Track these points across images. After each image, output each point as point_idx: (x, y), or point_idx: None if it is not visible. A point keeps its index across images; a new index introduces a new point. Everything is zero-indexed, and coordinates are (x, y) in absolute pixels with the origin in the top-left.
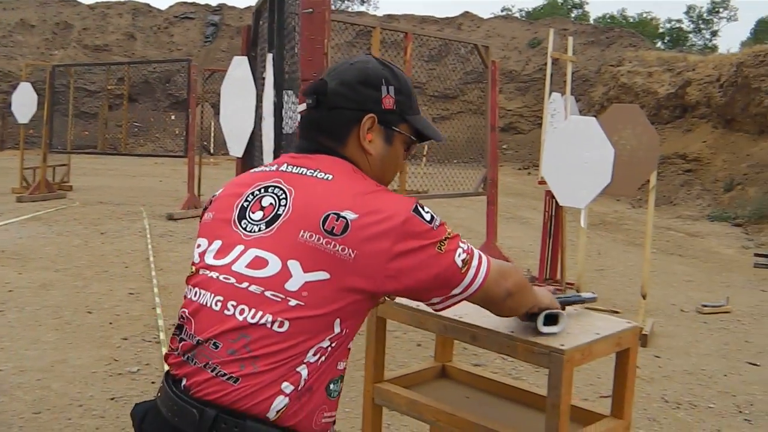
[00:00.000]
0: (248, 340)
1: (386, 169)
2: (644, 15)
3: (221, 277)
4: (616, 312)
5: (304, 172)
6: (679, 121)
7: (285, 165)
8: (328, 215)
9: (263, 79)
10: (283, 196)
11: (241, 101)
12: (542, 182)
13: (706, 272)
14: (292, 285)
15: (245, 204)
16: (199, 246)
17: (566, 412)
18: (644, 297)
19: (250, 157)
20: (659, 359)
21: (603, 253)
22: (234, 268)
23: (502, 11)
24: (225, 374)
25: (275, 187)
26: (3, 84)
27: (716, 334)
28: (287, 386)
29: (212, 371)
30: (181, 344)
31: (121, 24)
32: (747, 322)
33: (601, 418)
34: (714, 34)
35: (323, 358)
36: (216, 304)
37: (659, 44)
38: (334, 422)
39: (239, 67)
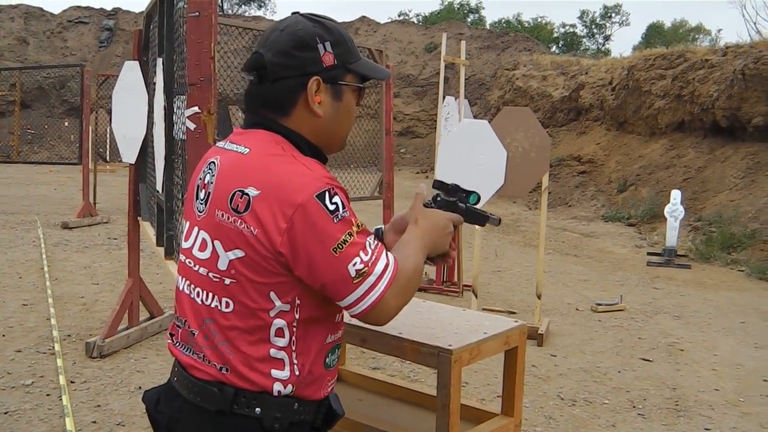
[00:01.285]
0: (211, 324)
1: (340, 126)
2: (539, 20)
3: (187, 261)
4: (513, 312)
5: (234, 148)
6: (573, 124)
7: (227, 142)
8: (234, 193)
9: (155, 83)
10: (214, 173)
11: (133, 106)
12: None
13: (601, 272)
14: (221, 264)
15: (198, 182)
16: (183, 228)
17: (456, 412)
18: (539, 297)
19: (144, 163)
20: (555, 358)
21: (500, 255)
22: (192, 252)
23: (399, 16)
24: (217, 365)
25: (212, 162)
26: None
27: (610, 331)
28: (278, 373)
29: (205, 361)
30: (179, 333)
31: (13, 28)
32: (640, 320)
33: (492, 417)
34: (607, 38)
35: (294, 340)
36: (186, 288)
37: (554, 48)
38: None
39: (131, 72)
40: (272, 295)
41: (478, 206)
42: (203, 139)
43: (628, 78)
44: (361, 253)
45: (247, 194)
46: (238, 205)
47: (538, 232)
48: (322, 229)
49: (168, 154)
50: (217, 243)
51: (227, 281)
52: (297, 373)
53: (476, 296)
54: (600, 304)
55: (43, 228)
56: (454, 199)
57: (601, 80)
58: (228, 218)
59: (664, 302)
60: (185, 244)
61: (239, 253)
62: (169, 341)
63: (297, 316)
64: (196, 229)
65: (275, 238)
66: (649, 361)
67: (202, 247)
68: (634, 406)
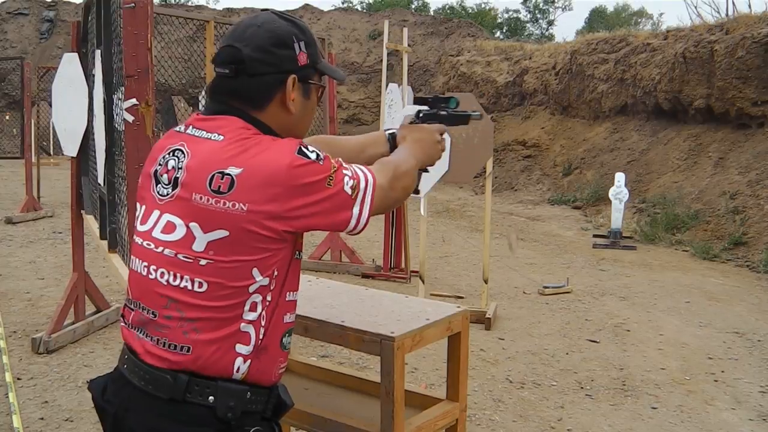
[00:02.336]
0: (177, 305)
1: (304, 122)
2: (482, 5)
3: (145, 243)
4: (460, 297)
5: (202, 135)
6: (518, 109)
7: (191, 127)
8: (213, 175)
9: (94, 75)
10: (182, 158)
11: (73, 99)
12: None
13: (548, 255)
14: (197, 246)
15: (158, 168)
16: (136, 211)
17: (400, 398)
18: (486, 281)
19: (85, 155)
20: (503, 341)
21: (447, 240)
22: (153, 234)
23: (342, 3)
24: (176, 346)
25: (178, 149)
26: None
27: (558, 314)
28: (241, 347)
29: (164, 346)
30: (131, 316)
31: None
32: (587, 302)
33: (437, 402)
34: (550, 23)
35: (264, 313)
36: (143, 270)
37: (498, 34)
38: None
39: (70, 65)
40: (254, 271)
41: (459, 109)
42: (142, 131)
43: (571, 62)
44: (345, 171)
45: (229, 174)
46: (219, 186)
47: (483, 217)
48: (314, 172)
49: (109, 147)
50: (193, 225)
51: (203, 261)
52: (259, 343)
53: (423, 282)
54: (547, 287)
55: None
56: (435, 110)
57: (545, 65)
58: (208, 200)
59: (610, 284)
60: (142, 227)
61: (222, 233)
62: (122, 323)
63: (271, 288)
64: (157, 212)
65: (269, 211)
66: (596, 342)
67: (168, 229)
68: (582, 387)
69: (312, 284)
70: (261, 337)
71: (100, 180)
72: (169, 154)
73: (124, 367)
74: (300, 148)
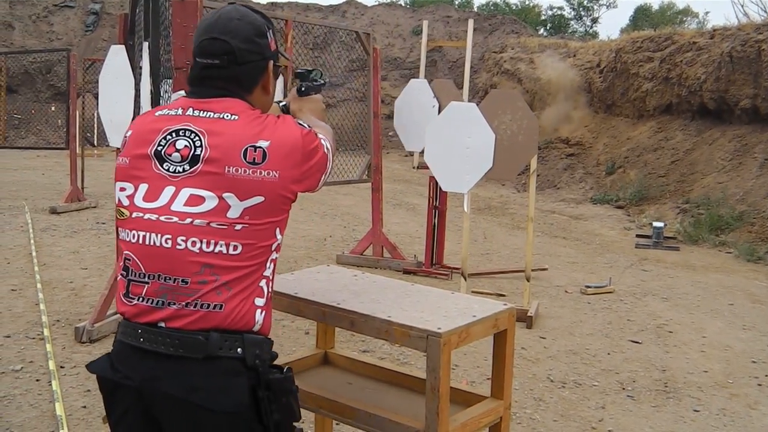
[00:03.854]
0: (212, 269)
1: (271, 99)
2: (526, 2)
3: (162, 218)
4: (502, 295)
5: (211, 116)
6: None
7: (190, 110)
8: (247, 149)
9: (141, 67)
10: (197, 138)
11: (119, 90)
12: (424, 167)
13: (590, 254)
14: (233, 213)
15: (159, 148)
16: (123, 189)
17: (446, 395)
18: (528, 279)
19: None
20: (544, 340)
21: (489, 237)
22: (173, 207)
23: None
24: (209, 305)
25: (186, 130)
26: None
27: (600, 314)
28: (259, 300)
29: (196, 307)
30: (144, 289)
31: None
32: (629, 302)
33: (482, 400)
34: (594, 21)
35: (273, 269)
36: (166, 242)
37: (541, 31)
38: None
39: (117, 56)
40: (277, 231)
41: (322, 78)
42: None
43: (615, 60)
44: (317, 135)
45: (261, 147)
46: (254, 158)
47: (526, 215)
48: (312, 141)
49: None
50: (227, 195)
51: (238, 227)
52: (269, 296)
53: (465, 279)
54: (589, 287)
55: (30, 213)
56: (309, 83)
57: (589, 63)
58: (245, 171)
59: (652, 284)
60: (151, 204)
61: (258, 200)
62: (126, 301)
63: (281, 246)
64: (171, 188)
65: (298, 172)
66: (638, 342)
67: (194, 202)
68: (623, 388)
69: (358, 279)
70: (270, 289)
71: None
72: (171, 134)
73: (140, 340)
74: (297, 120)
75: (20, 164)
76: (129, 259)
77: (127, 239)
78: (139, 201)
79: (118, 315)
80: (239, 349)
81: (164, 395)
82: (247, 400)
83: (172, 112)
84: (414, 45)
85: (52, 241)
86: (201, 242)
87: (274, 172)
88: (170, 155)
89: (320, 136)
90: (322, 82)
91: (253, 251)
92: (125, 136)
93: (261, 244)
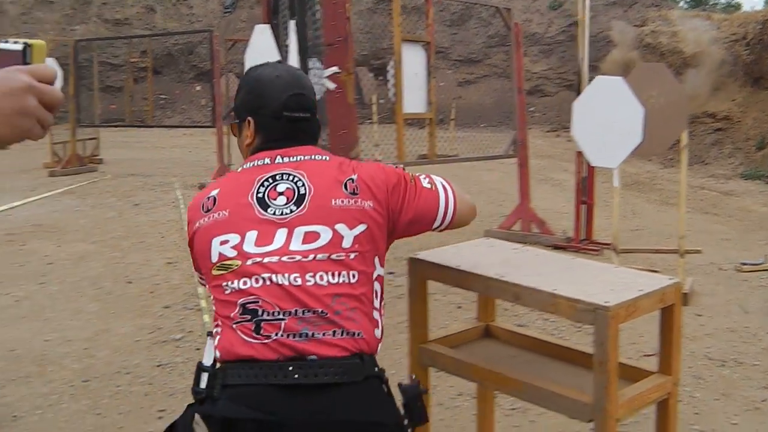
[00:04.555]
0: (341, 299)
1: None
2: None
3: (285, 258)
4: (655, 271)
5: (304, 159)
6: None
7: (279, 158)
8: (346, 181)
9: (286, 46)
10: (297, 179)
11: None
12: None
13: (743, 231)
14: (346, 243)
15: (259, 195)
16: (226, 242)
17: (614, 369)
18: (682, 256)
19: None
20: (701, 317)
21: (637, 213)
22: (292, 247)
23: None
24: (351, 333)
25: (283, 174)
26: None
27: (757, 291)
28: (377, 332)
29: (339, 335)
30: (282, 325)
31: None
32: None
33: (649, 375)
34: None
35: (381, 303)
36: (295, 280)
37: (681, 3)
38: None
39: (261, 35)
40: (376, 260)
41: None
42: (343, 98)
43: (762, 32)
44: (418, 175)
45: (353, 179)
46: (354, 189)
47: (674, 191)
48: (400, 176)
49: None
50: (339, 226)
51: (352, 255)
52: (381, 329)
53: (617, 254)
54: (745, 264)
55: (180, 189)
56: None
57: (734, 35)
58: (348, 202)
59: None
60: (268, 248)
61: (362, 228)
62: (256, 341)
63: (381, 281)
64: (283, 230)
65: (384, 197)
66: None
67: (311, 238)
68: None
69: (519, 252)
70: (382, 323)
71: None
72: (268, 180)
73: (294, 376)
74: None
75: (168, 143)
76: (256, 302)
77: (246, 287)
78: (250, 248)
79: None
80: (376, 368)
81: (341, 422)
82: (398, 411)
83: (259, 163)
84: (552, 20)
85: None
86: (327, 275)
87: (368, 202)
88: (274, 200)
89: (422, 175)
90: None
91: (364, 279)
92: (210, 196)
93: (368, 271)
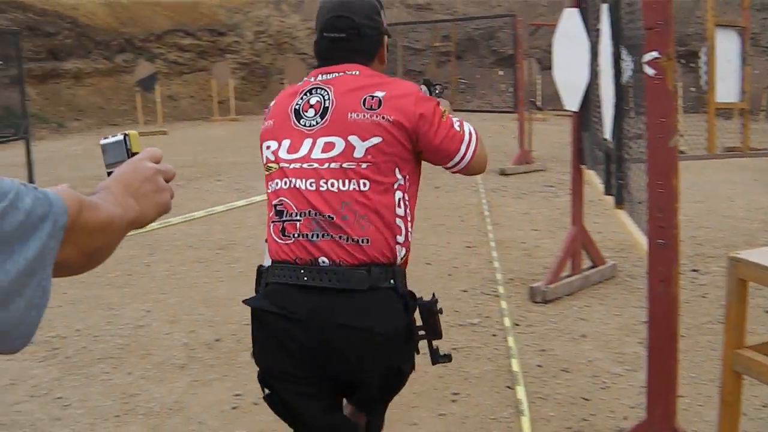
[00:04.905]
0: (350, 206)
1: (385, 69)
2: None
3: (305, 165)
4: None
5: (335, 75)
6: None
7: (319, 75)
8: (365, 97)
9: (596, 30)
10: (325, 93)
11: (573, 54)
12: None
13: None
14: (358, 153)
15: (296, 107)
16: (268, 147)
17: None
18: None
19: (586, 111)
20: None
21: None
22: (313, 156)
23: None
24: (357, 239)
25: (316, 88)
26: None
27: None
28: (399, 237)
29: (347, 240)
30: (299, 226)
31: None
32: None
33: None
34: None
35: (407, 210)
36: (311, 185)
37: None
38: None
39: (570, 20)
40: (396, 170)
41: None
42: (663, 84)
43: None
44: (452, 117)
45: (377, 96)
46: (372, 105)
47: None
48: (431, 102)
49: (617, 102)
50: (352, 138)
51: (363, 165)
52: (408, 236)
53: None
54: None
55: (481, 174)
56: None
57: None
58: (364, 116)
59: None
60: (295, 155)
61: (376, 140)
62: (282, 241)
63: (407, 188)
64: (309, 140)
65: (409, 119)
66: None
67: (328, 148)
68: None
69: None
70: (410, 229)
71: (607, 135)
72: (306, 94)
73: (304, 279)
74: (419, 87)
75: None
76: (281, 203)
77: (278, 187)
78: (283, 154)
79: (572, 278)
80: (392, 280)
81: (338, 324)
82: (405, 322)
83: (310, 80)
84: None
85: (503, 201)
86: (338, 182)
87: (387, 116)
88: (306, 112)
89: (457, 119)
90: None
91: (379, 188)
92: (270, 106)
93: (384, 180)
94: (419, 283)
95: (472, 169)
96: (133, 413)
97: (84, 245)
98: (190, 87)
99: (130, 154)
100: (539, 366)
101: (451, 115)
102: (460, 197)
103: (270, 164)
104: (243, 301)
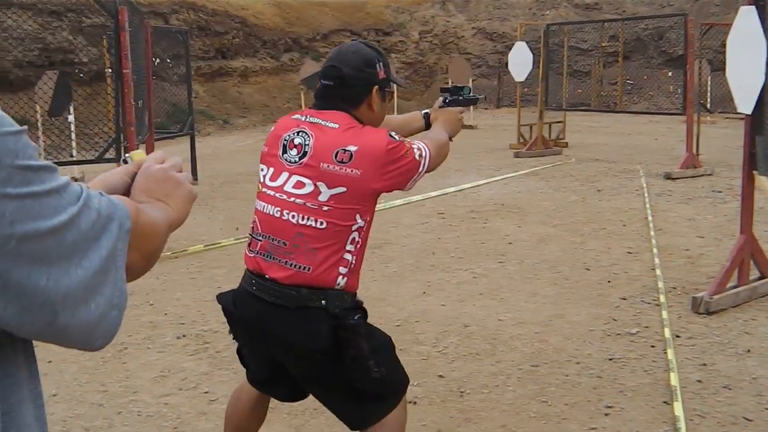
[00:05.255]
0: (303, 238)
1: (381, 116)
2: None
3: (277, 195)
4: None
5: (319, 122)
6: None
7: (308, 116)
8: (338, 151)
9: None
10: (307, 138)
11: (748, 54)
12: None
13: None
14: (322, 197)
15: (285, 143)
16: (262, 170)
17: None
18: None
19: (760, 113)
20: None
21: None
22: (285, 188)
23: None
24: (300, 265)
25: (302, 131)
26: (498, 44)
27: None
28: (342, 269)
29: (290, 265)
30: (258, 245)
31: None
32: None
33: None
34: None
35: (358, 246)
36: (276, 212)
37: None
38: None
39: (746, 18)
40: (357, 215)
41: (471, 95)
42: None
43: None
44: (413, 146)
45: (349, 150)
46: (343, 158)
47: None
48: (400, 149)
49: None
50: (320, 184)
51: (325, 208)
52: (352, 266)
53: None
54: None
55: (645, 177)
56: (454, 97)
57: None
58: (334, 167)
59: None
60: (273, 183)
61: (341, 189)
62: (249, 253)
63: (363, 230)
64: (286, 173)
65: (375, 172)
66: None
67: (299, 186)
68: None
69: None
70: (354, 262)
71: None
72: (294, 133)
73: (253, 288)
74: (389, 133)
75: (632, 129)
76: (254, 221)
77: (257, 207)
78: (267, 180)
79: (738, 289)
80: (323, 301)
81: (269, 333)
82: (329, 340)
83: (301, 118)
84: None
85: (667, 206)
86: (298, 216)
87: (356, 170)
88: (291, 149)
89: (417, 146)
90: (474, 97)
91: (335, 228)
92: (271, 132)
93: (342, 224)
94: (576, 288)
95: (430, 171)
96: (278, 411)
97: (144, 248)
98: None
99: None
100: (699, 381)
101: (413, 146)
102: (622, 201)
103: (259, 184)
104: (216, 296)
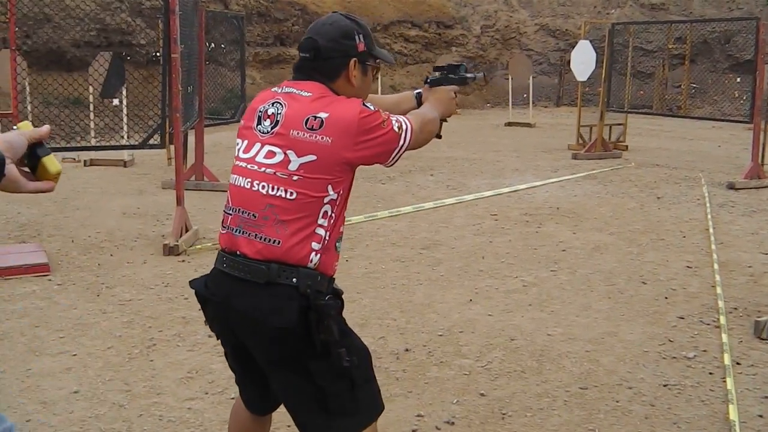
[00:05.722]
0: (273, 209)
1: (362, 92)
2: None
3: (248, 166)
4: None
5: (293, 92)
6: None
7: (284, 87)
8: (308, 118)
9: None
10: (280, 107)
11: None
12: None
13: None
14: (292, 166)
15: (260, 114)
16: (237, 144)
17: None
18: None
19: None
20: None
21: None
22: (257, 159)
23: None
24: (269, 239)
25: (276, 102)
26: (561, 42)
27: None
28: (315, 244)
29: (260, 239)
30: (229, 219)
31: None
32: None
33: None
34: None
35: (331, 221)
36: (247, 184)
37: None
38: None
39: None
40: (329, 187)
41: (468, 74)
42: None
43: None
44: (392, 118)
45: (320, 117)
46: (313, 125)
47: None
48: (375, 118)
49: None
50: (290, 152)
51: (295, 177)
52: (326, 242)
53: None
54: None
55: (707, 186)
56: (449, 74)
57: None
58: (303, 134)
59: None
60: (246, 155)
61: (311, 158)
62: (222, 230)
63: (337, 203)
64: (258, 144)
65: (348, 141)
66: None
67: (269, 155)
68: None
69: None
70: (327, 238)
71: None
72: (269, 105)
73: (224, 266)
74: (363, 103)
75: (695, 134)
76: (227, 196)
77: (230, 181)
78: (240, 153)
79: None
80: (294, 279)
81: (235, 310)
82: (296, 319)
83: (278, 90)
84: None
85: (730, 218)
86: (268, 186)
87: (327, 137)
88: (264, 120)
89: (396, 118)
90: (465, 76)
91: (306, 200)
92: (249, 106)
93: (312, 194)
94: (631, 304)
95: (413, 147)
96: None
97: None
98: (413, 78)
99: None
100: (760, 416)
101: (391, 118)
102: (683, 210)
103: (235, 158)
104: (189, 282)
